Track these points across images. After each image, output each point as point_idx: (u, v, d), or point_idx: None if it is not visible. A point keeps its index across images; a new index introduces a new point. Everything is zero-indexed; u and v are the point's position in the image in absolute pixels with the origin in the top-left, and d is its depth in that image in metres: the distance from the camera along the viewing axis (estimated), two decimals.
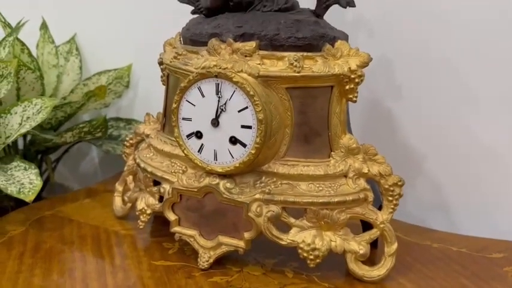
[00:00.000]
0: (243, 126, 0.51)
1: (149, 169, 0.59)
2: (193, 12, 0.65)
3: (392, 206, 0.54)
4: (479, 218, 0.66)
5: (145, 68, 0.86)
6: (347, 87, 0.52)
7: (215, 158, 0.53)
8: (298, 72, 0.50)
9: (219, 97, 0.51)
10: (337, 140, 0.54)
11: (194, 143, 0.53)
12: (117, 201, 0.67)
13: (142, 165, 0.60)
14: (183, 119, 0.53)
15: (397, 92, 0.69)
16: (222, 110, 0.51)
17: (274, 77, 0.51)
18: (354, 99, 0.53)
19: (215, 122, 0.52)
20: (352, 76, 0.52)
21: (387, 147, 0.59)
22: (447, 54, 0.65)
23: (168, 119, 0.61)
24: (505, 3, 0.61)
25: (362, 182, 0.53)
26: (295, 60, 0.50)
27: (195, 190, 0.54)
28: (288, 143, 0.52)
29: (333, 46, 0.52)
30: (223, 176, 0.53)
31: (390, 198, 0.53)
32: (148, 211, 0.59)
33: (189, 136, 0.54)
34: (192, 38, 0.55)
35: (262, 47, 0.51)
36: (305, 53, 0.51)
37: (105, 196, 0.72)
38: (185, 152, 0.54)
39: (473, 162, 0.66)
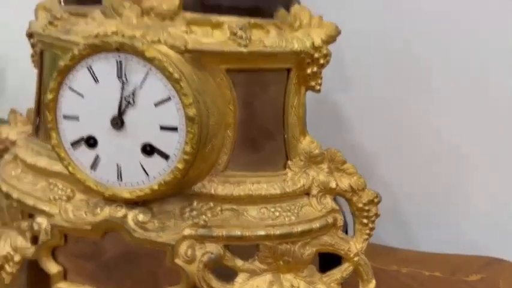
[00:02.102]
0: (163, 128, 0.33)
1: (15, 195, 0.39)
2: None
3: (367, 231, 0.40)
4: (439, 228, 0.58)
5: (17, 53, 0.66)
6: (309, 70, 0.38)
7: (119, 177, 0.35)
8: (245, 47, 0.34)
9: (122, 83, 0.33)
10: (295, 144, 0.39)
11: (84, 154, 0.35)
12: None
13: (4, 188, 0.40)
14: (65, 117, 0.34)
15: (346, 81, 0.58)
16: (129, 102, 0.33)
17: (210, 53, 0.34)
18: (318, 87, 0.38)
19: (118, 122, 0.33)
20: (316, 55, 0.37)
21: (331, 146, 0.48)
22: (405, 40, 0.55)
23: (43, 119, 0.41)
24: None
25: (329, 201, 0.39)
26: (240, 29, 0.34)
27: (89, 228, 0.35)
28: (230, 150, 0.36)
29: (288, 11, 0.37)
30: (133, 204, 0.35)
31: (365, 221, 0.40)
32: (17, 258, 0.38)
33: (75, 144, 0.35)
34: None
35: (188, 7, 0.34)
36: (252, 19, 0.35)
37: None
38: (70, 168, 0.35)
39: (433, 163, 0.57)
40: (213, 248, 0.35)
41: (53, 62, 0.38)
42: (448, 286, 0.48)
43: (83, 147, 0.35)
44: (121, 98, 0.33)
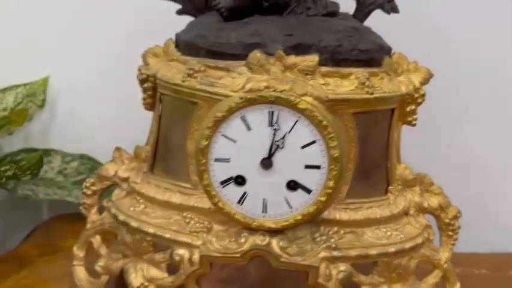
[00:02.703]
0: (308, 167, 0.38)
1: (150, 229, 0.42)
2: (181, 12, 0.49)
3: (452, 242, 0.47)
4: (473, 232, 0.66)
5: (64, 81, 0.68)
6: (408, 108, 0.44)
7: (264, 209, 0.39)
8: (372, 94, 0.40)
9: (275, 130, 0.38)
10: (393, 172, 0.45)
11: (233, 191, 0.39)
12: (80, 272, 0.48)
13: (133, 224, 0.43)
14: (217, 160, 0.39)
15: None
16: (278, 146, 0.38)
17: (343, 101, 0.39)
18: (414, 122, 0.45)
19: (268, 163, 0.38)
20: (416, 95, 0.44)
21: None
22: (444, 71, 0.63)
23: (162, 157, 0.45)
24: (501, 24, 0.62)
25: (422, 219, 0.46)
26: (367, 79, 0.40)
27: (238, 255, 0.40)
28: (350, 181, 0.42)
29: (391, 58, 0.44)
30: (272, 232, 0.40)
31: (451, 234, 0.47)
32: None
33: (224, 183, 0.39)
34: (214, 49, 0.40)
35: (321, 62, 0.39)
36: (370, 69, 0.41)
37: (40, 263, 0.53)
38: (219, 204, 0.39)
39: (466, 179, 0.65)
40: (344, 267, 0.41)
41: (182, 108, 0.42)
42: (495, 281, 0.56)
43: (232, 185, 0.39)
44: (272, 142, 0.38)
